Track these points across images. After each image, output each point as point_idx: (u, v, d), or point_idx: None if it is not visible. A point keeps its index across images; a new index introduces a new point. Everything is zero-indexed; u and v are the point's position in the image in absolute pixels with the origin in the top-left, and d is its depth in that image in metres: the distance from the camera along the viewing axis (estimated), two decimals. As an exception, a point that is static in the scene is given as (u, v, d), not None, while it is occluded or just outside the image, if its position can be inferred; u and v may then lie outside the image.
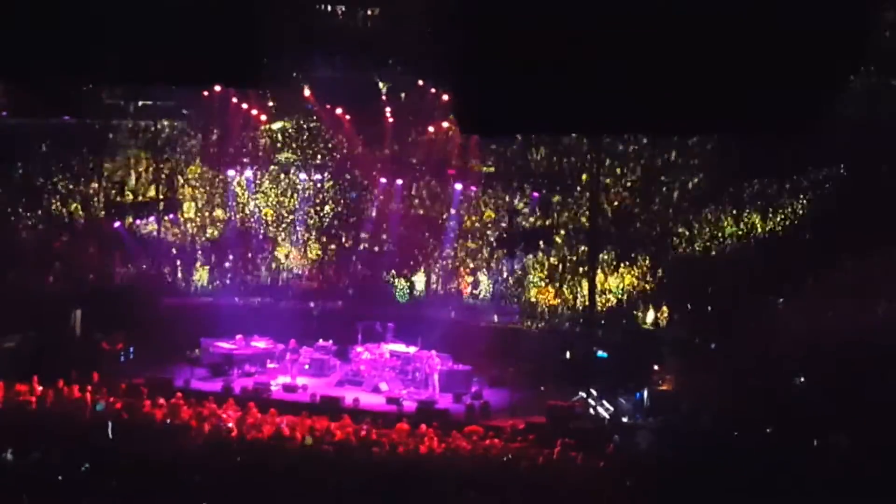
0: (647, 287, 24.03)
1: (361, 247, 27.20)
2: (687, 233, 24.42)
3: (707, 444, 15.66)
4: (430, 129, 26.15)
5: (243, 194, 27.73)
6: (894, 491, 13.18)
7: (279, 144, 27.88)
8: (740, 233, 23.93)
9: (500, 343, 23.43)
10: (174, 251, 26.77)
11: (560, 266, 25.22)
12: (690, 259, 24.07)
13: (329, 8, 23.88)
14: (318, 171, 27.79)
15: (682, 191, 24.98)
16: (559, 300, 24.86)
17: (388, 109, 26.00)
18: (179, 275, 26.51)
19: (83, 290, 24.68)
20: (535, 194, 26.24)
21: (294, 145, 27.85)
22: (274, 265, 27.21)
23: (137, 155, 27.66)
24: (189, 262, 26.64)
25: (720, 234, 24.12)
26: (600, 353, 22.17)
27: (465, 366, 22.11)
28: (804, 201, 23.27)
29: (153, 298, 25.17)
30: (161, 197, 27.24)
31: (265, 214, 27.74)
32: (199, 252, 26.88)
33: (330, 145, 27.76)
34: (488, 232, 26.60)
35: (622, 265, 24.41)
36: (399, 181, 27.02)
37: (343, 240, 27.41)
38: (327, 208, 27.63)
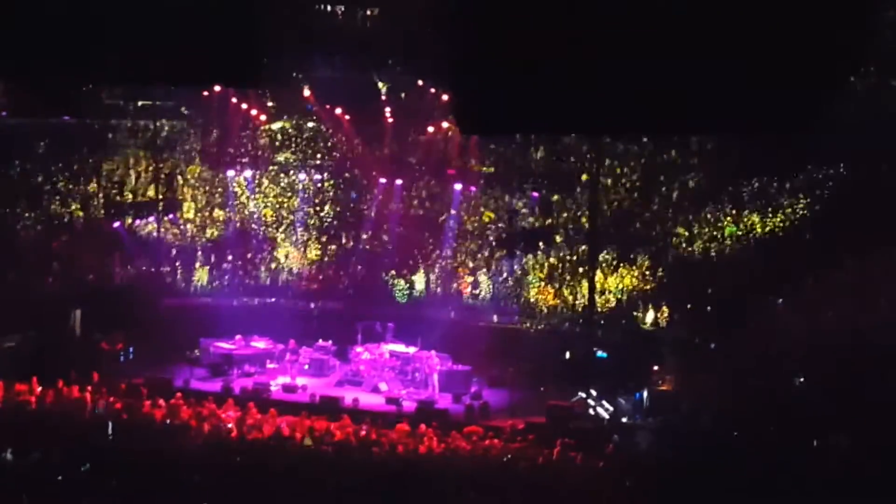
0: (647, 287, 24.00)
1: (361, 247, 27.19)
2: (687, 233, 24.42)
3: (707, 444, 15.65)
4: (430, 129, 26.16)
5: (243, 194, 27.73)
6: (894, 491, 13.17)
7: (279, 144, 27.89)
8: (740, 233, 23.92)
9: (499, 343, 23.38)
10: (174, 251, 26.73)
11: (560, 266, 25.19)
12: (690, 259, 24.07)
13: (329, 8, 23.92)
14: (317, 171, 27.81)
15: (682, 191, 24.99)
16: (559, 300, 24.81)
17: (387, 109, 26.01)
18: (179, 275, 26.46)
19: (83, 290, 24.66)
20: (535, 194, 26.24)
21: (294, 145, 27.87)
22: (274, 265, 27.16)
23: (137, 155, 27.71)
24: (189, 263, 26.58)
25: (720, 234, 24.12)
26: (600, 353, 22.17)
27: (464, 366, 22.10)
28: (804, 201, 23.27)
29: (153, 298, 25.15)
30: (161, 197, 27.23)
31: (265, 215, 27.73)
32: (199, 252, 26.83)
33: (329, 145, 27.79)
34: (488, 232, 26.59)
35: (622, 265, 24.38)
36: (399, 181, 27.01)
37: (343, 240, 27.39)
38: (327, 208, 27.62)
